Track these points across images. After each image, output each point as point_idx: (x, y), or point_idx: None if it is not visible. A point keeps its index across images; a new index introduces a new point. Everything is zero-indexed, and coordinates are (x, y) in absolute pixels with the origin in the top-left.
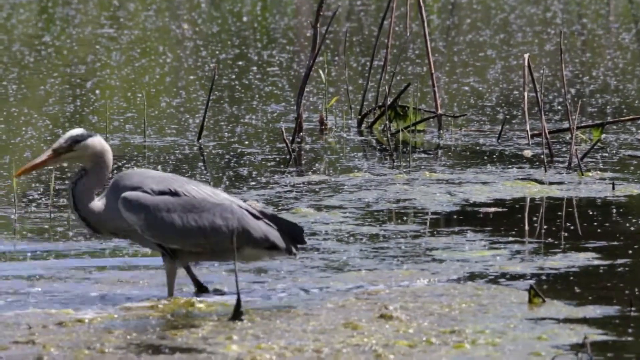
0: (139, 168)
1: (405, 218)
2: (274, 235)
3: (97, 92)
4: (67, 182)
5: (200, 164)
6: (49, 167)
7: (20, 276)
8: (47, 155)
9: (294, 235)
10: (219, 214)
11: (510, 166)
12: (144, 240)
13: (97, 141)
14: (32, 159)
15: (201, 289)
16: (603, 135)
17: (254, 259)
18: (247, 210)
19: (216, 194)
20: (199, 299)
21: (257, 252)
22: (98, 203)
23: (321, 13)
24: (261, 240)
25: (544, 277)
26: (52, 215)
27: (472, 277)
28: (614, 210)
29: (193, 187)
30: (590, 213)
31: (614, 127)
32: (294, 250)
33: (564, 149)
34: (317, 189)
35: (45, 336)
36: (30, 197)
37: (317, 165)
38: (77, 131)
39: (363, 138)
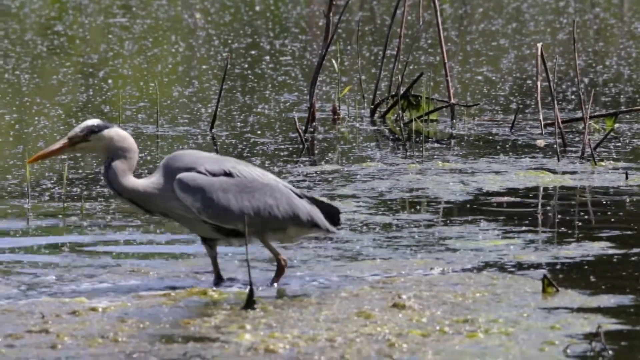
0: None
1: (418, 207)
2: (317, 214)
3: (110, 81)
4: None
5: (213, 153)
6: (63, 156)
7: (34, 265)
8: (62, 144)
9: (330, 216)
10: (270, 194)
11: (523, 156)
12: (195, 223)
13: (114, 132)
14: (46, 148)
15: (220, 278)
16: (616, 125)
17: (299, 237)
18: (292, 190)
19: (264, 174)
20: (212, 288)
21: (301, 230)
22: (141, 181)
23: (334, 2)
24: (305, 219)
25: (557, 267)
26: (65, 204)
27: (485, 266)
28: (628, 200)
29: (244, 167)
30: (604, 202)
31: (627, 116)
32: (332, 229)
33: (577, 139)
34: (329, 179)
35: (58, 325)
36: (44, 187)
37: (329, 154)
38: (93, 121)
39: (376, 128)
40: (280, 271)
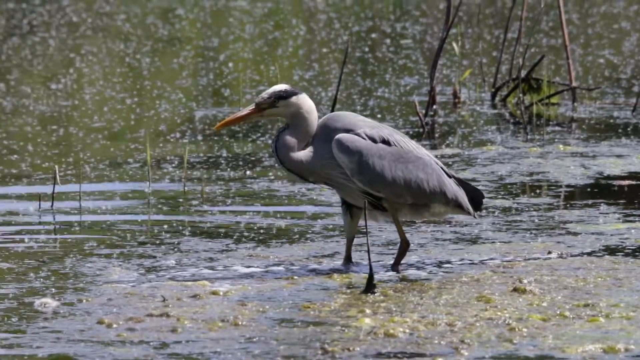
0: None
1: (538, 191)
2: (461, 195)
3: (230, 65)
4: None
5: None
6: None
7: (155, 249)
8: (250, 110)
9: (474, 199)
10: (422, 168)
11: None
12: (354, 192)
13: (303, 99)
14: (167, 133)
15: (349, 260)
16: None
17: (440, 215)
18: (442, 168)
19: (419, 147)
20: (333, 271)
21: (445, 209)
22: (303, 153)
23: None
24: (451, 199)
25: None
26: (185, 188)
27: (607, 250)
28: None
29: (400, 137)
30: None
31: None
32: (473, 212)
33: None
34: (450, 162)
35: (179, 308)
36: (164, 170)
37: (450, 138)
38: (281, 87)
39: (496, 111)
40: (402, 253)
